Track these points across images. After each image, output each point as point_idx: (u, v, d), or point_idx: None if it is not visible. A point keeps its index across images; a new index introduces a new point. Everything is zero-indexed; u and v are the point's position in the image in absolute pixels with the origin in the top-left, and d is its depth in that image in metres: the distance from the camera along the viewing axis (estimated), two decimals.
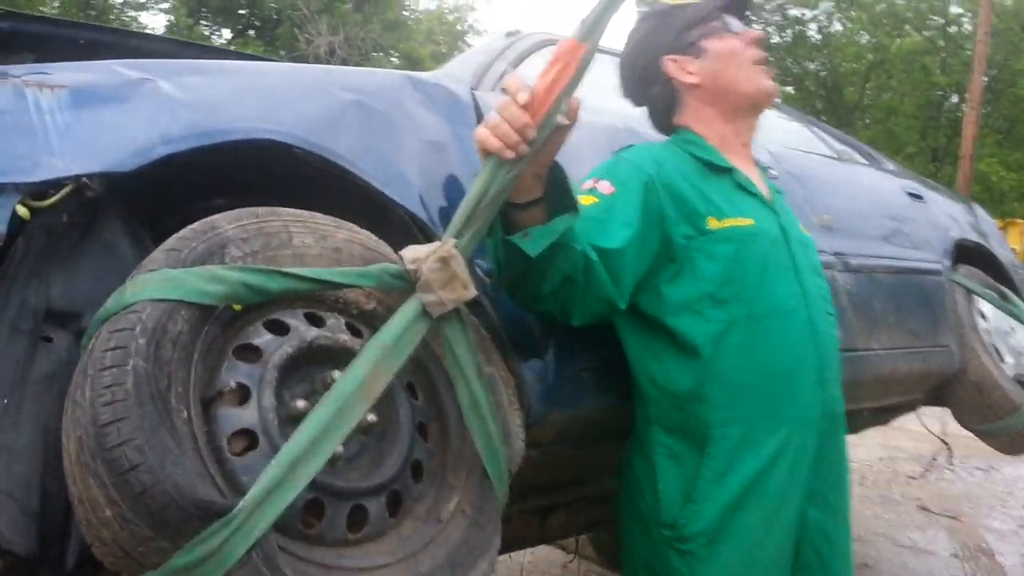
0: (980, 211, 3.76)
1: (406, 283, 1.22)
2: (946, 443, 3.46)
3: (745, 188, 1.67)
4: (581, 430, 1.71)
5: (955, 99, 24.41)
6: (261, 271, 1.15)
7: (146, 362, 1.03)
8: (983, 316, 3.13)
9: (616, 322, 1.63)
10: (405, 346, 1.19)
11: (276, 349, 1.17)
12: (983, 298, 3.13)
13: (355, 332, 1.28)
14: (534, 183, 1.31)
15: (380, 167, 1.47)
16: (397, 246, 1.37)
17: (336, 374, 1.20)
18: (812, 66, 26.99)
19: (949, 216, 3.31)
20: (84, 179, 1.16)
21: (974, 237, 3.31)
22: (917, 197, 3.17)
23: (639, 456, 1.64)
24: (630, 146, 1.71)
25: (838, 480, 1.67)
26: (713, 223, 1.56)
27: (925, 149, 25.46)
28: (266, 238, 1.22)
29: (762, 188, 1.71)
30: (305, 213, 1.29)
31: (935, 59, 24.14)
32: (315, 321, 1.25)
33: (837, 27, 26.90)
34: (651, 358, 1.60)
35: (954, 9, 23.90)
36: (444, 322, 1.23)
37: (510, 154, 1.20)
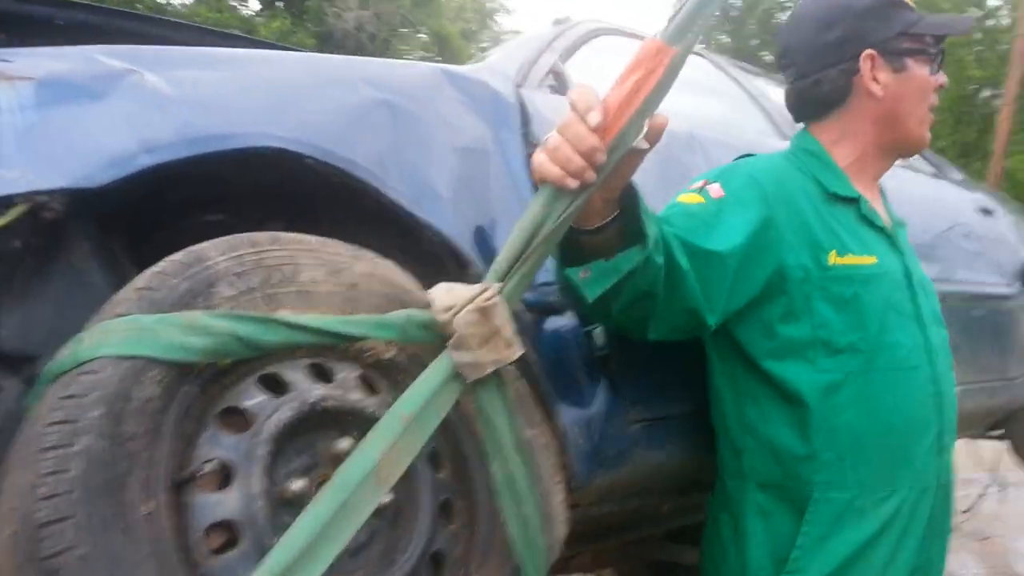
0: None
1: (436, 336, 0.99)
2: (998, 481, 3.22)
3: (870, 220, 1.46)
4: (627, 490, 1.48)
5: (987, 93, 23.85)
6: (257, 320, 0.92)
7: (101, 440, 0.81)
8: None
9: (711, 359, 1.45)
10: (431, 418, 0.95)
11: (271, 414, 0.94)
12: None
13: (370, 387, 1.05)
14: (604, 207, 1.09)
15: (409, 181, 1.23)
16: (426, 276, 1.14)
17: (345, 443, 0.98)
18: None
19: (1017, 233, 3.05)
20: (43, 197, 0.93)
21: None
22: (988, 213, 2.91)
23: (725, 513, 1.45)
24: (748, 155, 1.52)
25: (942, 553, 1.49)
26: (835, 258, 1.36)
27: (955, 143, 24.94)
28: (266, 272, 0.99)
29: (886, 220, 1.51)
30: (315, 239, 1.06)
31: (971, 52, 23.58)
32: (321, 374, 1.02)
33: None
34: (750, 403, 1.40)
35: (992, 2, 23.36)
36: (480, 386, 1.00)
37: (572, 183, 0.96)
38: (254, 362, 0.96)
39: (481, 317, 0.96)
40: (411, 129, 1.29)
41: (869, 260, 1.39)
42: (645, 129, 0.97)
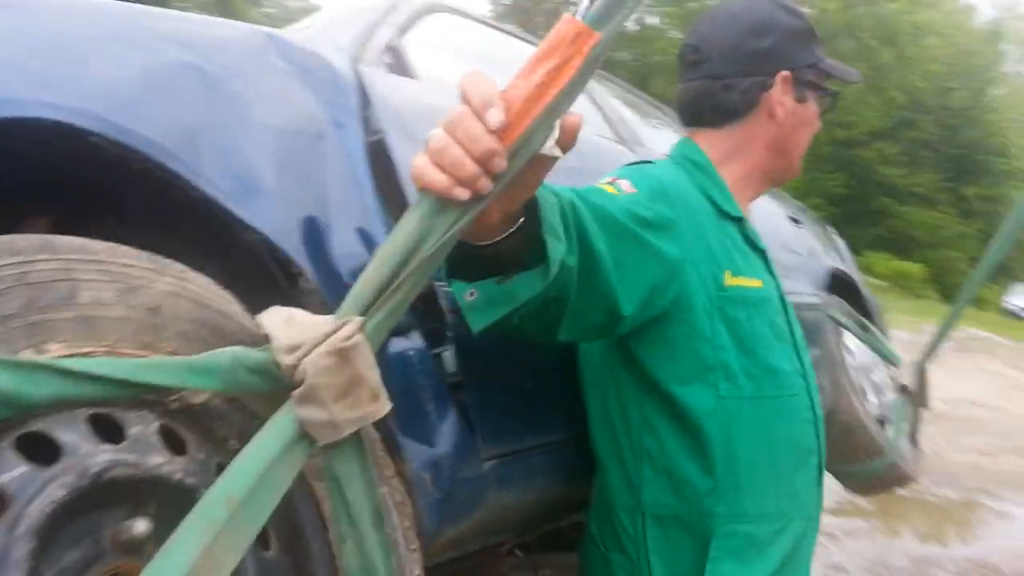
0: (833, 232, 3.62)
1: (276, 383, 0.75)
2: None
3: (752, 242, 1.38)
4: (475, 535, 1.29)
5: None
6: (15, 366, 0.65)
7: None
8: (849, 351, 2.96)
9: (603, 388, 1.32)
10: (266, 498, 0.70)
11: (35, 494, 0.68)
12: (851, 332, 2.96)
13: (175, 444, 0.80)
14: (502, 222, 0.87)
15: (226, 169, 0.97)
16: (250, 297, 0.90)
17: (141, 526, 0.73)
18: (625, 56, 27.64)
19: (819, 242, 3.12)
20: None
21: (841, 265, 3.14)
22: (797, 222, 2.95)
23: (619, 554, 1.31)
24: (646, 162, 1.40)
25: None
26: (730, 279, 1.28)
27: None
28: (31, 292, 0.72)
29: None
30: (102, 246, 0.79)
31: None
32: (107, 430, 0.75)
33: (654, 20, 27.82)
34: (648, 433, 1.29)
35: None
36: (333, 450, 0.77)
37: (462, 194, 0.73)
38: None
39: (339, 362, 0.72)
40: (229, 104, 1.02)
41: (756, 283, 1.32)
42: (556, 132, 0.77)
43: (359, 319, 0.74)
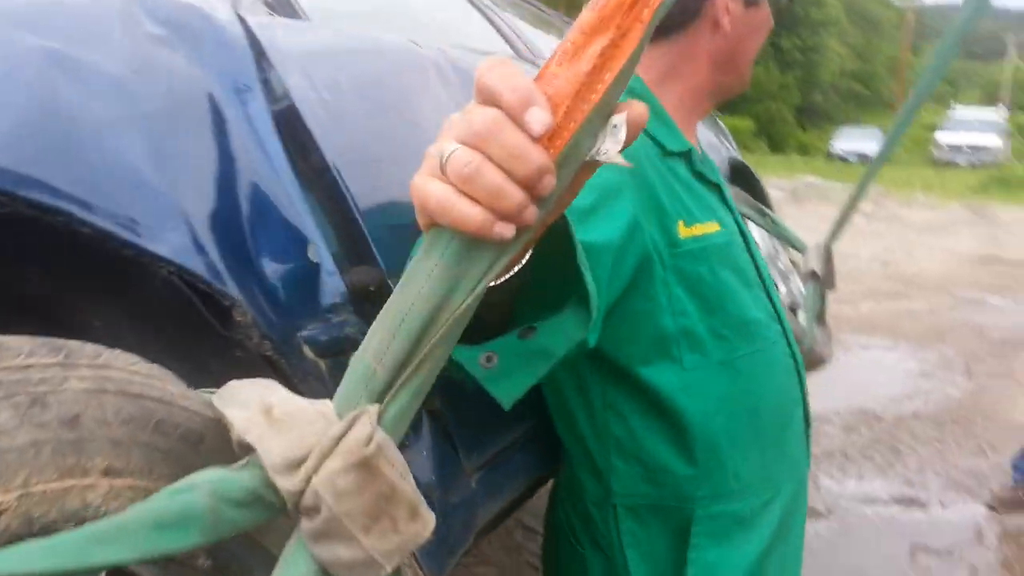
0: (717, 116, 3.53)
1: (274, 512, 0.54)
2: None
3: (705, 177, 1.21)
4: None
5: None
6: None
7: None
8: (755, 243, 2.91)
9: (556, 376, 1.17)
10: None
11: None
12: (753, 222, 2.90)
13: None
14: (522, 254, 0.64)
15: (115, 190, 0.73)
16: (173, 353, 0.69)
17: None
18: None
19: (712, 132, 3.01)
20: None
21: (735, 154, 3.05)
22: None
23: (594, 550, 1.18)
24: None
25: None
26: (683, 230, 1.10)
27: None
28: None
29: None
30: None
31: None
32: None
33: None
34: (614, 419, 1.14)
35: None
36: None
37: (507, 232, 0.51)
38: None
39: (363, 476, 0.52)
40: (102, 98, 0.77)
41: (714, 227, 1.16)
42: (621, 131, 0.55)
43: (373, 409, 0.54)
